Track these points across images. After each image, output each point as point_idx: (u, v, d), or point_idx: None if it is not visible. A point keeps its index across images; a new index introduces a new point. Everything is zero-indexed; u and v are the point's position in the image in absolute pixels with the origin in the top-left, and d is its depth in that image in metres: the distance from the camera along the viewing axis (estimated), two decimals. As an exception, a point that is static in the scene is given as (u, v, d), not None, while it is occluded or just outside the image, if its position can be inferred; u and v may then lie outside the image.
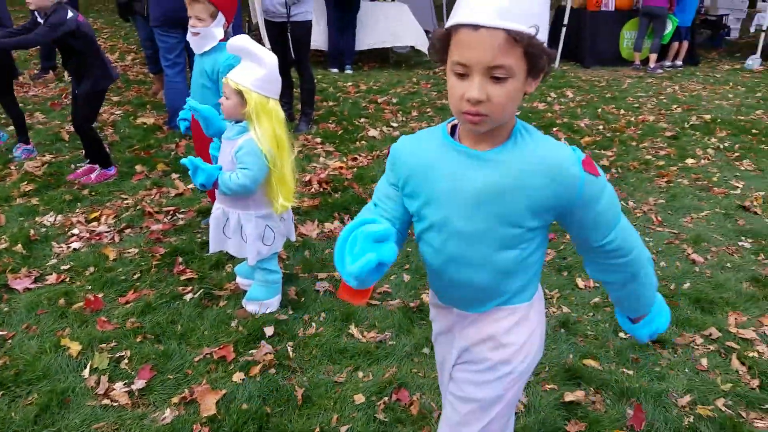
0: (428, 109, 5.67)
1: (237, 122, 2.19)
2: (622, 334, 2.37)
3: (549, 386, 2.07)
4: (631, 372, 2.15)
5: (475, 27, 0.94)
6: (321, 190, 3.68)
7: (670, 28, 7.79)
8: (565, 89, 6.69)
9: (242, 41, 2.11)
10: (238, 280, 2.59)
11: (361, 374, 2.12)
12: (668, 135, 5.04)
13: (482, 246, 1.12)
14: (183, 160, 2.08)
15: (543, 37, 0.96)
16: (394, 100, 5.93)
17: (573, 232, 1.15)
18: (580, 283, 2.73)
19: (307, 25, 4.63)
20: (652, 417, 1.95)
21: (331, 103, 5.68)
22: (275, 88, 2.16)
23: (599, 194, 1.08)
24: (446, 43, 1.00)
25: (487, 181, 1.06)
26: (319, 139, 4.61)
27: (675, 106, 6.06)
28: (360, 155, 4.33)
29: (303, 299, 2.55)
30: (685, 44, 8.15)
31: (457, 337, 1.26)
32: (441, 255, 1.16)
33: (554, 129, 5.15)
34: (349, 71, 7.08)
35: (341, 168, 4.05)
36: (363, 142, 4.65)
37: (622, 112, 5.82)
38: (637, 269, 1.17)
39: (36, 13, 3.24)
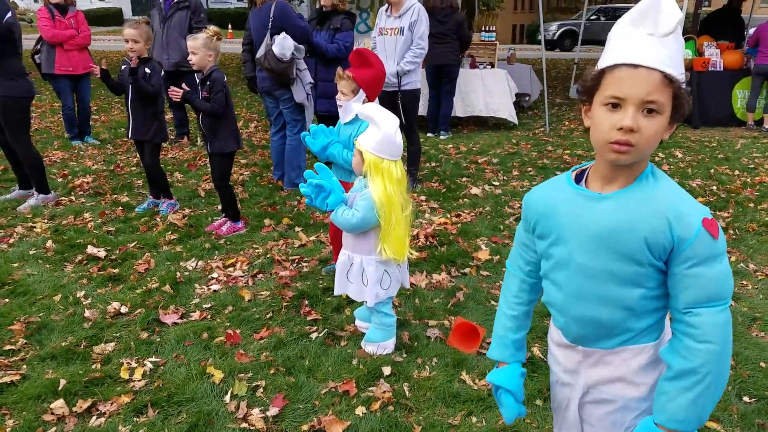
0: (529, 169, 5.77)
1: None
2: (746, 398, 2.25)
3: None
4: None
5: (635, 66, 1.07)
6: (428, 243, 3.85)
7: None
8: (674, 149, 6.52)
9: (368, 108, 2.41)
10: (357, 323, 2.79)
11: (474, 419, 2.18)
12: (791, 196, 4.74)
13: (606, 282, 1.18)
14: (311, 182, 2.37)
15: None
16: (495, 161, 6.09)
17: (669, 285, 1.15)
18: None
19: (416, 93, 4.99)
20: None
21: (433, 164, 5.95)
22: (389, 149, 2.36)
23: (708, 258, 1.09)
24: (598, 82, 1.13)
25: (607, 218, 1.16)
26: (423, 197, 4.84)
27: (798, 166, 5.70)
28: (463, 212, 4.49)
29: (416, 344, 2.68)
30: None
31: (584, 376, 1.30)
32: (566, 291, 1.25)
33: (663, 188, 5.02)
34: (444, 136, 7.31)
35: (446, 223, 4.22)
36: (466, 199, 4.82)
37: (736, 172, 5.56)
38: (704, 369, 1.08)
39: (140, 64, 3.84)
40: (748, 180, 5.28)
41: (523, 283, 1.41)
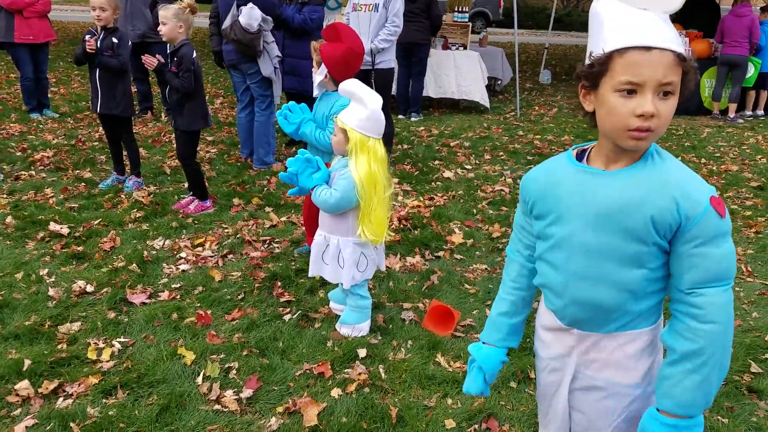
0: (501, 153, 5.81)
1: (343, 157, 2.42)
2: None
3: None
4: (726, 420, 2.12)
5: (648, 48, 1.04)
6: (401, 226, 3.85)
7: (753, 72, 7.62)
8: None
9: (351, 85, 2.35)
10: (332, 305, 2.77)
11: (450, 401, 2.20)
12: (754, 185, 4.93)
13: (608, 262, 1.15)
14: (299, 157, 2.33)
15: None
16: (467, 144, 6.12)
17: (672, 265, 1.13)
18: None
19: (390, 73, 4.95)
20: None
21: (405, 146, 5.93)
22: (375, 127, 2.34)
23: (714, 238, 1.07)
24: (605, 66, 1.08)
25: (613, 195, 1.13)
26: (396, 180, 4.83)
27: (759, 156, 5.91)
28: (436, 195, 4.50)
29: (391, 326, 2.69)
30: (765, 94, 7.95)
31: (577, 361, 1.27)
32: (564, 272, 1.21)
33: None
34: (414, 118, 7.28)
35: (419, 207, 4.22)
36: (438, 182, 4.83)
37: (702, 161, 5.74)
38: (709, 350, 1.07)
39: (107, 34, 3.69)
40: (714, 168, 5.45)
41: (522, 268, 1.38)
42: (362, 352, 2.44)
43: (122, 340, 2.49)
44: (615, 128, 1.09)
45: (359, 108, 2.32)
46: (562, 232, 1.21)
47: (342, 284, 2.54)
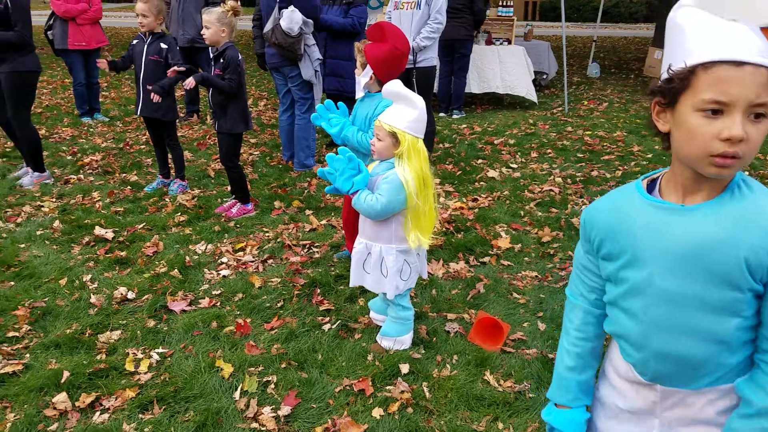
0: (549, 150, 5.56)
1: (383, 161, 2.30)
2: None
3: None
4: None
5: (739, 63, 0.90)
6: (444, 229, 3.70)
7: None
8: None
9: (395, 86, 2.23)
10: (372, 315, 2.66)
11: (501, 425, 2.05)
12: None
13: (695, 310, 1.00)
14: (341, 156, 2.20)
15: None
16: (511, 141, 5.89)
17: (764, 313, 1.00)
18: None
19: (432, 71, 4.79)
20: None
21: (447, 145, 5.76)
22: (422, 128, 2.25)
23: None
24: (687, 81, 0.95)
25: (696, 234, 0.99)
26: (438, 180, 4.68)
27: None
28: (480, 196, 4.32)
29: (434, 339, 2.55)
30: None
31: (660, 419, 1.12)
32: (644, 322, 1.06)
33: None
34: (456, 115, 7.10)
35: (462, 208, 4.06)
36: (482, 182, 4.65)
37: (768, 156, 5.33)
38: None
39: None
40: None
41: (587, 315, 1.21)
42: (405, 368, 2.32)
43: (161, 350, 2.45)
44: (695, 153, 0.95)
45: (407, 109, 2.20)
46: (638, 277, 1.05)
47: (384, 294, 2.43)
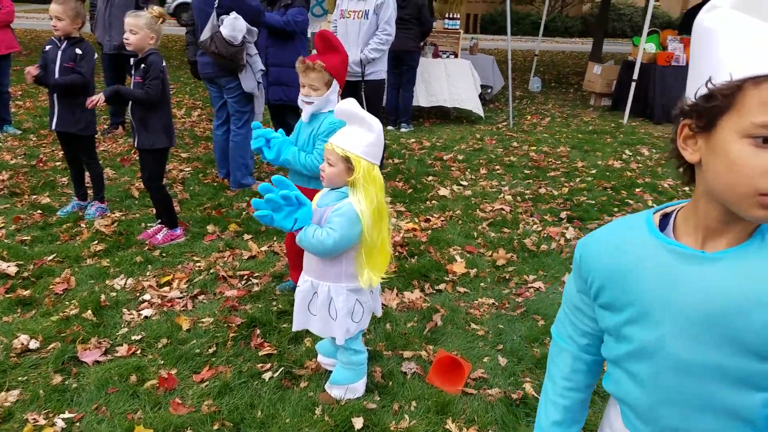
0: (497, 167, 5.45)
1: (333, 189, 2.02)
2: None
3: None
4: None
5: None
6: (396, 254, 3.46)
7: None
8: (639, 146, 6.36)
9: (349, 105, 1.96)
10: (320, 358, 2.36)
11: (466, 481, 1.81)
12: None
13: (713, 382, 0.82)
14: (273, 194, 1.83)
15: None
16: (460, 157, 5.75)
17: None
18: None
19: (381, 85, 4.58)
20: None
21: (396, 161, 5.55)
22: (380, 153, 1.99)
23: None
24: (732, 100, 0.74)
25: (721, 291, 0.80)
26: (389, 199, 4.44)
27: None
28: (432, 216, 4.12)
29: (390, 383, 2.29)
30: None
31: None
32: (652, 391, 0.88)
33: (637, 190, 4.83)
34: (405, 129, 6.94)
35: (415, 230, 3.83)
36: (434, 201, 4.45)
37: (707, 171, 5.43)
38: None
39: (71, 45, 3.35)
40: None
41: (577, 362, 1.03)
42: (358, 423, 2.03)
43: (67, 415, 2.05)
44: (738, 190, 0.75)
45: (362, 132, 1.93)
46: (647, 338, 0.86)
47: (333, 338, 2.13)
